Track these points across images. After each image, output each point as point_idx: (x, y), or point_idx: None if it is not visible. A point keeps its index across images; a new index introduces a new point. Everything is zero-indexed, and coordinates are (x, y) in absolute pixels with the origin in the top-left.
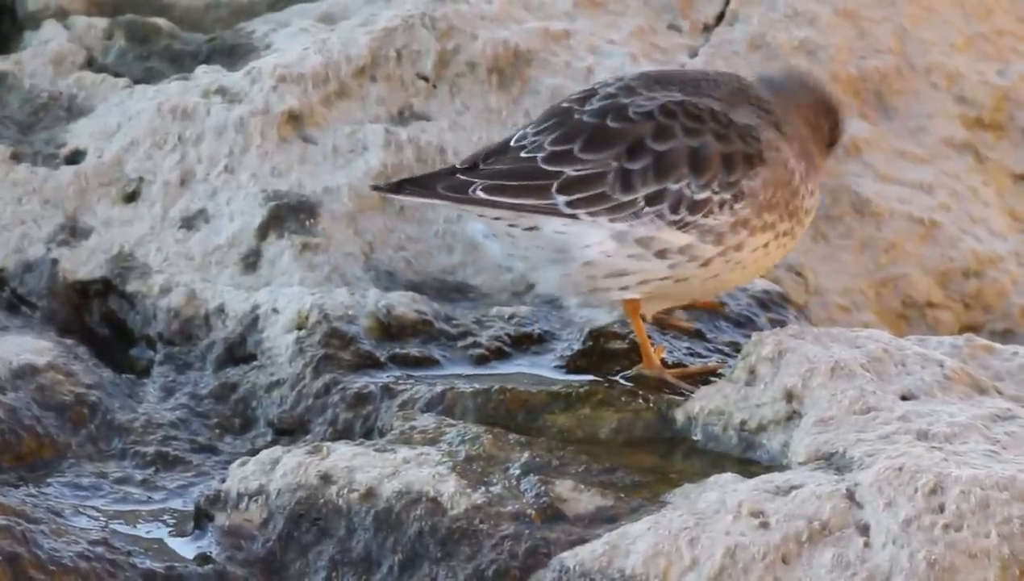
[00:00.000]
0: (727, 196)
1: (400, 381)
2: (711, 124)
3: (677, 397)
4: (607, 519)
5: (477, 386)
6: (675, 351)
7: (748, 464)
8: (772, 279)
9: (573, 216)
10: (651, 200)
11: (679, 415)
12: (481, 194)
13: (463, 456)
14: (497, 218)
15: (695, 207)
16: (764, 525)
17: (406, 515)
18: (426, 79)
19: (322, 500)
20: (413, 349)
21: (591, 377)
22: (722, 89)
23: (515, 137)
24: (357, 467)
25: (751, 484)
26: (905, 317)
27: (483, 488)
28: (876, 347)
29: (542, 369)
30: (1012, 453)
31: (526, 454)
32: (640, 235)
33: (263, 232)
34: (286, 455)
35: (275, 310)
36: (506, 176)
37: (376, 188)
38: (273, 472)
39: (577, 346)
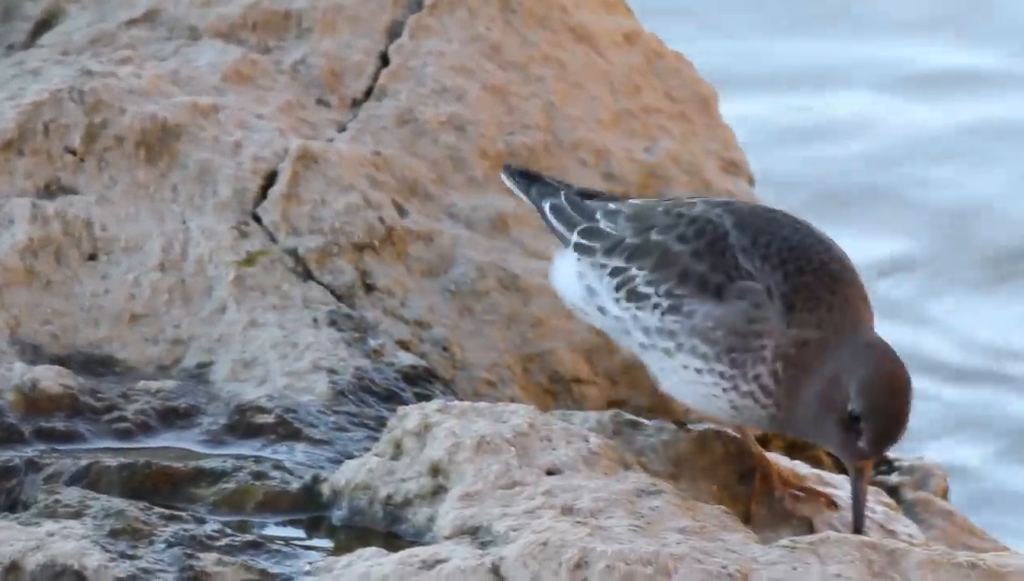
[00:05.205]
0: (664, 303)
1: (45, 455)
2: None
3: (323, 472)
4: None
5: (123, 460)
6: None
7: (394, 538)
8: (419, 354)
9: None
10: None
11: (325, 489)
12: None
13: (108, 529)
14: None
15: (633, 296)
16: None
17: None
18: (74, 153)
19: None
20: (59, 423)
21: (237, 451)
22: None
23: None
24: (1, 540)
25: (396, 558)
26: (552, 392)
27: (128, 561)
28: (522, 422)
29: (188, 443)
30: (656, 528)
31: (171, 528)
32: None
33: None
34: None
35: None
36: None
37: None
38: None
39: (223, 420)
